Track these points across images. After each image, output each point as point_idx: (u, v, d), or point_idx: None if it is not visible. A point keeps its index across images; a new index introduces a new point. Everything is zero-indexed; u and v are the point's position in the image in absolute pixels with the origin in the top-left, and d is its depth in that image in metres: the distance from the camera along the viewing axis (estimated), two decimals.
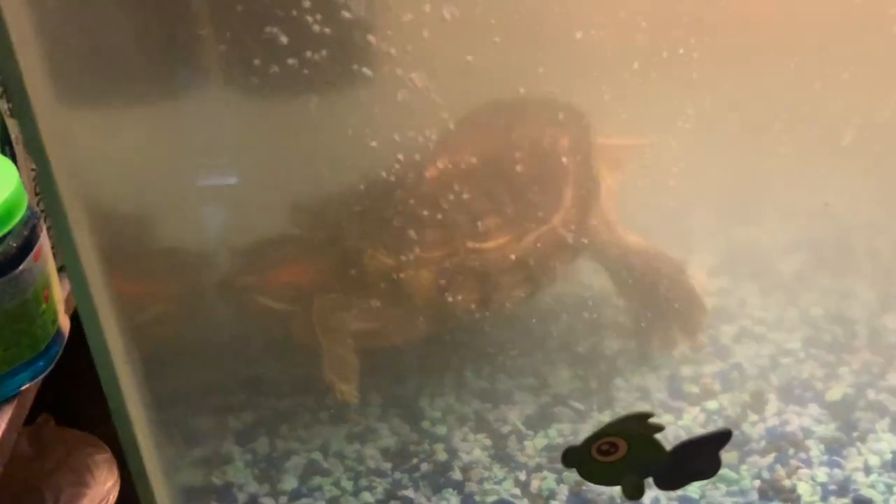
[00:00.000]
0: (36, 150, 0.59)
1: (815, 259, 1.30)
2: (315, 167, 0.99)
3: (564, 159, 1.08)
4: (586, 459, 0.84)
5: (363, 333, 1.04)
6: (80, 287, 0.68)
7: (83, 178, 0.66)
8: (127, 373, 0.77)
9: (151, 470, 0.87)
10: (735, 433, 1.05)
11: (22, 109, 0.58)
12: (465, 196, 1.02)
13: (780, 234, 1.29)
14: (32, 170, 0.88)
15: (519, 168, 1.05)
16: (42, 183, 0.62)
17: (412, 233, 1.00)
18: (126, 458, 0.84)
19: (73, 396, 1.07)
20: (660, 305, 1.13)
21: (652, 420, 0.83)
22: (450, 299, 1.01)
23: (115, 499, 1.00)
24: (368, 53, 0.91)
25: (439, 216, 1.01)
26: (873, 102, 1.11)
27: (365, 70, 0.89)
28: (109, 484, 1.00)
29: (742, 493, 1.01)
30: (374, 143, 0.92)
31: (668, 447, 0.86)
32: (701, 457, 0.86)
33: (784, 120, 1.07)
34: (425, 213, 1.01)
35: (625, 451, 0.84)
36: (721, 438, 0.85)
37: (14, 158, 0.85)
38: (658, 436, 0.84)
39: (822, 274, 1.31)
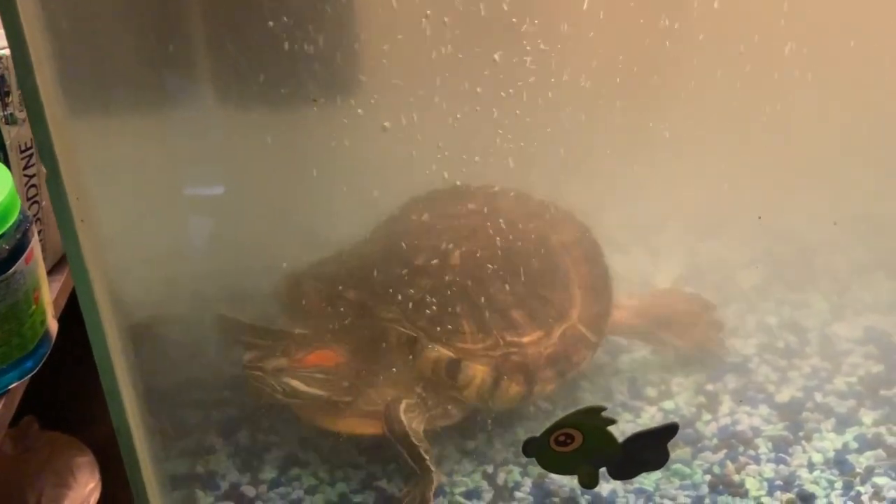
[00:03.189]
0: (47, 154, 0.66)
1: (772, 272, 1.37)
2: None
3: (562, 255, 1.12)
4: (545, 449, 0.91)
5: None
6: (81, 280, 0.73)
7: (89, 182, 0.72)
8: (121, 363, 0.82)
9: (142, 457, 0.91)
10: (689, 431, 1.13)
11: (37, 119, 0.64)
12: (488, 287, 1.07)
13: (742, 249, 1.36)
14: (25, 175, 0.92)
15: (522, 263, 1.09)
16: (51, 186, 0.68)
17: (448, 319, 1.04)
18: (119, 443, 0.88)
19: (57, 400, 1.11)
20: (680, 337, 1.21)
21: (605, 413, 0.90)
22: (500, 392, 1.04)
23: (96, 501, 1.03)
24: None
25: (473, 305, 1.05)
26: (830, 126, 1.19)
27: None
28: (91, 486, 1.03)
29: (694, 486, 1.08)
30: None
31: (621, 440, 0.93)
32: (650, 449, 0.93)
33: (746, 144, 1.14)
34: (458, 300, 1.05)
35: (580, 442, 0.91)
36: (668, 431, 0.92)
37: (7, 164, 0.88)
38: (612, 429, 0.91)
39: (778, 286, 1.38)
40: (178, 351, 1.10)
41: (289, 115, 1.03)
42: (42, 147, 0.66)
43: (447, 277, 1.06)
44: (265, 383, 1.01)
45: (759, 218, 1.05)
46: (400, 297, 1.05)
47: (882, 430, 1.15)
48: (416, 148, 1.01)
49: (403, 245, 1.11)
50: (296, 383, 1.02)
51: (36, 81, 0.64)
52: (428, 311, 1.04)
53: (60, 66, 0.67)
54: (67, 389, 1.11)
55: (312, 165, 1.05)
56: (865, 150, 1.23)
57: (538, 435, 0.90)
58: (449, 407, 1.06)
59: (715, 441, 1.13)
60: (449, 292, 1.06)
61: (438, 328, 1.03)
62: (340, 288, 1.07)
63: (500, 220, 1.12)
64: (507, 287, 1.07)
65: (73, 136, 0.71)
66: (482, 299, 1.06)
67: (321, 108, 0.99)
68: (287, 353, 1.02)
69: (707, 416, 1.16)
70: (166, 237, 1.04)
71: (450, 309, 1.05)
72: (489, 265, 1.08)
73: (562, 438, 0.90)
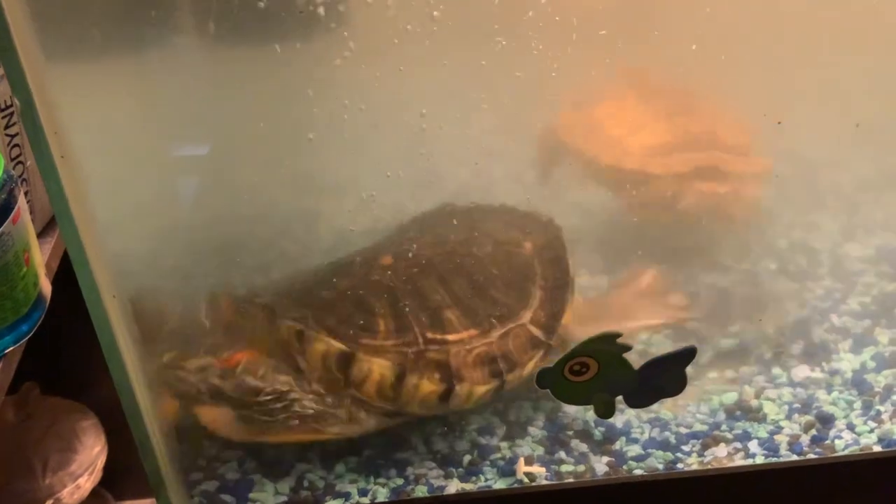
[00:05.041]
0: (20, 86, 0.62)
1: (780, 195, 1.34)
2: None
3: (531, 259, 1.07)
4: (559, 380, 0.88)
5: (308, 420, 0.97)
6: (65, 220, 0.70)
7: (66, 118, 0.68)
8: (114, 307, 0.79)
9: (144, 410, 0.89)
10: None
11: (5, 49, 0.60)
12: (423, 287, 1.00)
13: None
14: (7, 135, 0.88)
15: (478, 264, 1.04)
16: (26, 119, 0.64)
17: (361, 318, 0.98)
18: (120, 399, 0.86)
19: (57, 365, 1.09)
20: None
21: (620, 340, 0.87)
22: (407, 390, 0.96)
23: (102, 463, 1.02)
24: None
25: (396, 304, 0.99)
26: (840, 45, 1.14)
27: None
28: (97, 449, 1.02)
29: (711, 413, 1.06)
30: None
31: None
32: (667, 374, 0.90)
33: (752, 64, 1.09)
34: (378, 299, 0.99)
35: (595, 370, 0.88)
36: (686, 356, 0.89)
37: None
38: (626, 355, 0.88)
39: (787, 208, 1.35)
40: (175, 298, 1.07)
41: (276, 51, 0.98)
42: (13, 79, 0.62)
43: (373, 277, 1.01)
44: (188, 383, 0.95)
45: (779, 123, 1.01)
46: (313, 300, 0.99)
47: None
48: (406, 85, 0.97)
49: (342, 255, 1.06)
50: (221, 383, 0.95)
51: (8, 24, 0.59)
52: (339, 310, 0.98)
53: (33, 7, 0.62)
54: (67, 353, 1.10)
55: (304, 103, 1.01)
56: (869, 62, 1.19)
57: (552, 365, 0.88)
58: (356, 410, 0.98)
59: None
60: (369, 292, 0.99)
61: (347, 326, 0.97)
62: (252, 295, 1.02)
63: (465, 228, 1.07)
64: (447, 288, 1.01)
65: (47, 69, 0.67)
66: (409, 298, 0.99)
67: (311, 43, 0.95)
68: (213, 351, 0.96)
69: None
70: (155, 179, 1.00)
71: (364, 308, 0.98)
72: (430, 266, 1.02)
73: (576, 368, 0.88)
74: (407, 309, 0.99)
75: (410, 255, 1.04)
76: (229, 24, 0.93)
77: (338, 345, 0.96)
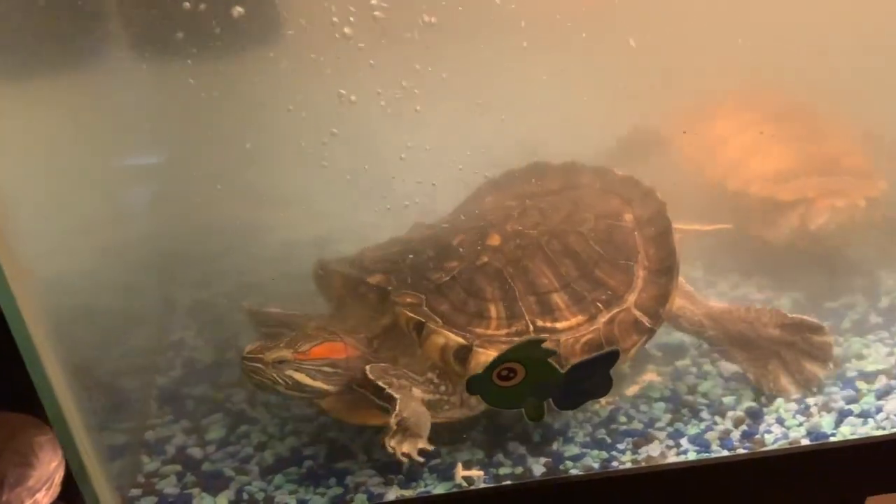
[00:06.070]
0: None
1: None
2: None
3: (633, 234, 1.06)
4: (488, 385, 0.90)
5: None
6: None
7: None
8: (41, 333, 0.79)
9: (76, 432, 0.89)
10: None
11: None
12: (530, 269, 1.00)
13: None
14: None
15: (582, 241, 1.03)
16: None
17: (474, 304, 0.98)
18: (50, 421, 0.86)
19: (10, 380, 1.08)
20: (776, 352, 1.08)
21: (545, 345, 0.89)
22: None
23: (60, 478, 1.00)
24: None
25: (506, 289, 0.99)
26: None
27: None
28: (54, 464, 1.00)
29: (645, 411, 1.08)
30: None
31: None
32: (593, 377, 0.92)
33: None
34: (489, 283, 0.99)
35: (523, 375, 0.90)
36: (610, 358, 0.91)
37: None
38: (552, 359, 0.90)
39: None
40: (111, 319, 1.07)
41: (213, 66, 0.99)
42: None
43: (483, 259, 1.01)
44: (265, 375, 0.94)
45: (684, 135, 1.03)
46: (425, 281, 0.99)
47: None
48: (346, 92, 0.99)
49: (446, 227, 1.06)
50: (299, 376, 0.95)
51: None
52: (452, 294, 0.99)
53: None
54: (19, 368, 1.09)
55: (239, 116, 1.02)
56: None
57: (481, 371, 0.89)
58: (467, 396, 0.99)
59: None
60: (480, 275, 1.00)
61: (460, 314, 0.98)
62: (364, 272, 1.01)
63: (567, 199, 1.07)
64: (554, 269, 1.01)
65: None
66: (519, 282, 1.00)
67: (247, 56, 0.96)
68: (291, 344, 0.96)
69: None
70: (79, 205, 1.00)
71: (476, 292, 0.99)
72: (537, 246, 1.02)
73: (504, 373, 0.89)
74: (517, 294, 0.99)
75: (521, 234, 1.03)
76: (165, 39, 0.93)
77: (456, 338, 0.96)
